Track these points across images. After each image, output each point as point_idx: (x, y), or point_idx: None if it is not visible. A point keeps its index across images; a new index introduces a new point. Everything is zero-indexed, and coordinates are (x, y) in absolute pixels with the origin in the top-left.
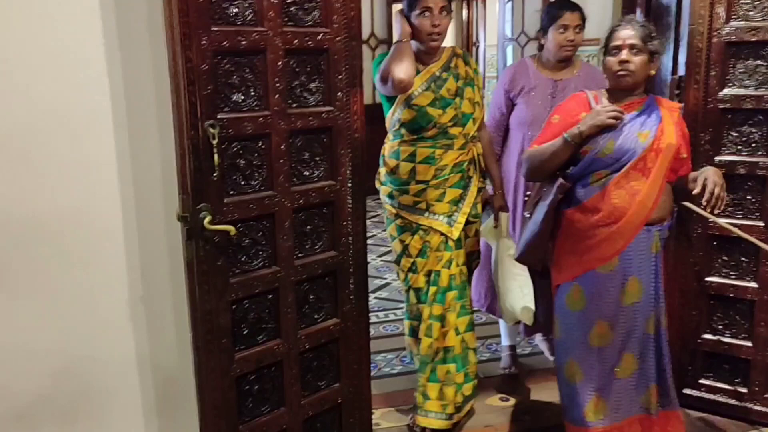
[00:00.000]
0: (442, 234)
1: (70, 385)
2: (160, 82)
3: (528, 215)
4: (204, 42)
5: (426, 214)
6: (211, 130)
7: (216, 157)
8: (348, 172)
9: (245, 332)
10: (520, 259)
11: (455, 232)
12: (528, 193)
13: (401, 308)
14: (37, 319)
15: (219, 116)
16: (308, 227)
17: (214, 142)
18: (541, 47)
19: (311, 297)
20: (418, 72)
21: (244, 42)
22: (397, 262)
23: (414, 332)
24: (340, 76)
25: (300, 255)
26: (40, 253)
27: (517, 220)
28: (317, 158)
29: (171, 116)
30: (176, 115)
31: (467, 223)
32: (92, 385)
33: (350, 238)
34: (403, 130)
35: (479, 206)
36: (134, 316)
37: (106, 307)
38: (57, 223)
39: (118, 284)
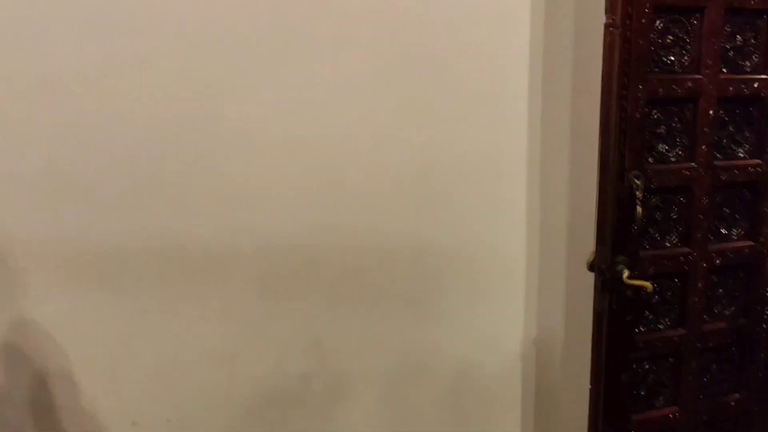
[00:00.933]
0: None
1: (465, 382)
2: (577, 130)
3: None
4: (639, 91)
5: None
6: (636, 181)
7: (639, 209)
8: None
9: (642, 393)
10: None
11: None
12: None
13: None
14: (441, 332)
15: (642, 167)
16: (720, 290)
17: (638, 193)
18: None
19: (713, 366)
20: None
21: (678, 90)
22: None
23: None
24: None
25: (707, 319)
26: (451, 280)
27: None
28: (736, 215)
29: (581, 165)
30: (603, 165)
31: None
32: (482, 386)
33: (766, 306)
34: None
35: None
36: (525, 356)
37: (501, 340)
38: (468, 255)
39: (515, 322)
